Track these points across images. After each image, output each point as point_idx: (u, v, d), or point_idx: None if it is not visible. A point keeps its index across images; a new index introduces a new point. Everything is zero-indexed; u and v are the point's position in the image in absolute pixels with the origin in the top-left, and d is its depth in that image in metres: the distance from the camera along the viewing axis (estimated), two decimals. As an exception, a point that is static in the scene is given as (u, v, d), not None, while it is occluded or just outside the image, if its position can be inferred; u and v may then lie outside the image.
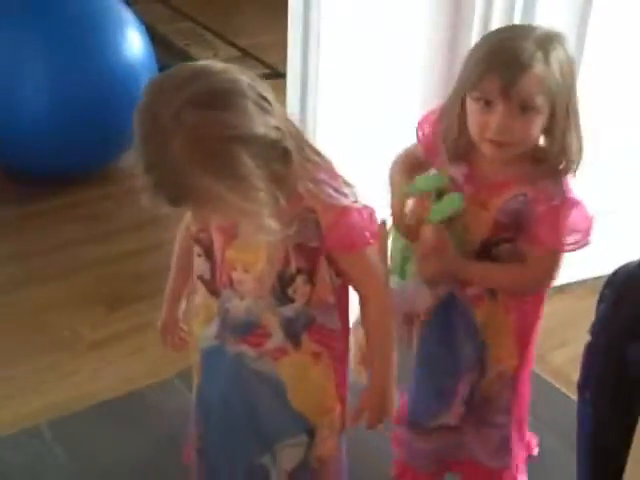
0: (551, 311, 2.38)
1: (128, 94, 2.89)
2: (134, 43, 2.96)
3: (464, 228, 1.45)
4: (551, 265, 1.43)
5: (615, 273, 1.35)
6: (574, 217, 1.38)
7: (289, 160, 1.17)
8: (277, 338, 1.34)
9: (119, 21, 2.95)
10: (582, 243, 1.39)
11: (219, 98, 1.09)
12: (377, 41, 2.04)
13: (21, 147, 2.83)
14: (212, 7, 4.80)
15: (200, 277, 1.37)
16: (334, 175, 1.26)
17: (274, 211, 1.15)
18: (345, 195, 1.25)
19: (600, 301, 1.36)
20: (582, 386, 1.38)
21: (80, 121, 2.80)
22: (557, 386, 2.16)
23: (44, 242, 2.73)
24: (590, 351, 1.35)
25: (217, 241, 1.31)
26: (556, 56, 1.32)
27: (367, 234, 1.27)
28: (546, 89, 1.31)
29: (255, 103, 1.11)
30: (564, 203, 1.37)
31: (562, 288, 2.47)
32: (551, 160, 1.38)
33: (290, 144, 1.16)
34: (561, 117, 1.35)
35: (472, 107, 1.36)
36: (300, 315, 1.33)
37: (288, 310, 1.31)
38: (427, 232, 1.42)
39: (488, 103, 1.33)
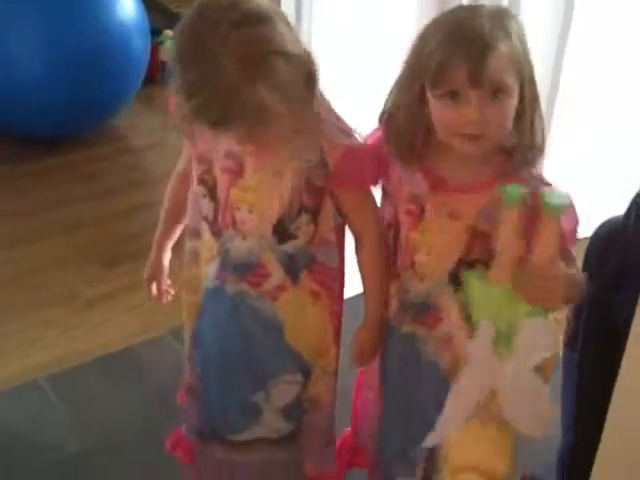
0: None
1: (121, 55, 2.92)
2: (126, 5, 2.96)
3: (428, 252, 1.32)
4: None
5: (599, 228, 1.38)
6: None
7: (313, 85, 1.21)
8: (277, 276, 1.37)
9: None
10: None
11: (257, 18, 1.15)
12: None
13: (16, 107, 2.84)
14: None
15: (205, 218, 1.40)
16: (335, 113, 1.29)
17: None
18: (349, 134, 1.28)
19: (586, 256, 1.40)
20: (570, 336, 1.42)
21: (74, 81, 2.82)
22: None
23: (39, 201, 2.76)
24: (578, 304, 1.39)
25: (222, 181, 1.33)
26: (515, 30, 1.21)
27: (370, 174, 1.31)
28: (515, 67, 1.19)
29: (286, 24, 1.19)
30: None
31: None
32: (523, 150, 1.24)
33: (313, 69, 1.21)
34: (529, 98, 1.22)
35: (436, 103, 1.21)
36: (300, 252, 1.36)
37: (289, 247, 1.35)
38: None
39: (454, 94, 1.18)
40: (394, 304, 1.39)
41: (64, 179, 2.89)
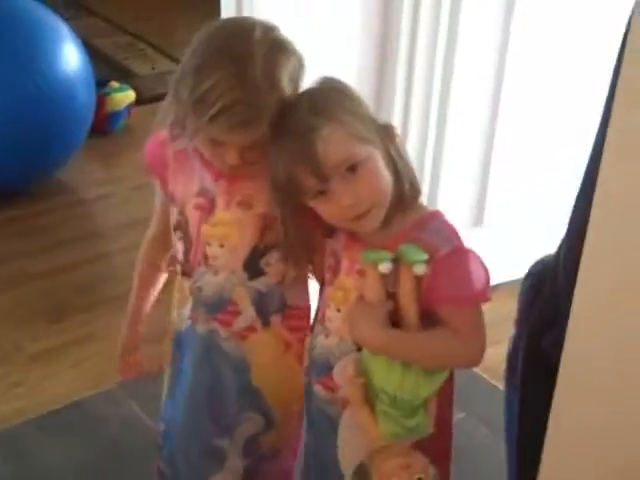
0: (483, 309, 2.46)
1: (66, 107, 2.92)
2: (71, 57, 2.97)
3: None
4: (478, 319, 1.26)
5: (532, 266, 1.41)
6: (472, 264, 1.21)
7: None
8: (247, 315, 1.37)
9: (55, 35, 2.96)
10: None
11: (274, 26, 1.26)
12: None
13: (-41, 162, 2.82)
14: (147, 22, 4.81)
15: (178, 260, 1.41)
16: None
17: None
18: None
19: (520, 294, 1.42)
20: (508, 375, 1.44)
21: (19, 134, 2.81)
22: (491, 382, 2.22)
23: (-16, 257, 2.73)
24: (514, 343, 1.41)
25: (194, 219, 1.35)
26: (337, 103, 1.19)
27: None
28: (351, 135, 1.17)
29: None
30: (453, 251, 1.20)
31: (494, 288, 2.54)
32: (406, 194, 1.22)
33: None
34: (383, 142, 1.21)
35: (313, 204, 1.20)
36: (272, 292, 1.37)
37: (259, 284, 1.36)
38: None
39: (321, 192, 1.18)
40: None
41: (10, 233, 2.87)
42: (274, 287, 1.37)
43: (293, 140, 1.17)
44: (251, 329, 1.39)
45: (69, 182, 3.19)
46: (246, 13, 2.02)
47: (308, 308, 1.43)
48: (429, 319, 1.21)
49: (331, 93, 1.22)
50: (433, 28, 2.21)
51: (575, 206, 1.22)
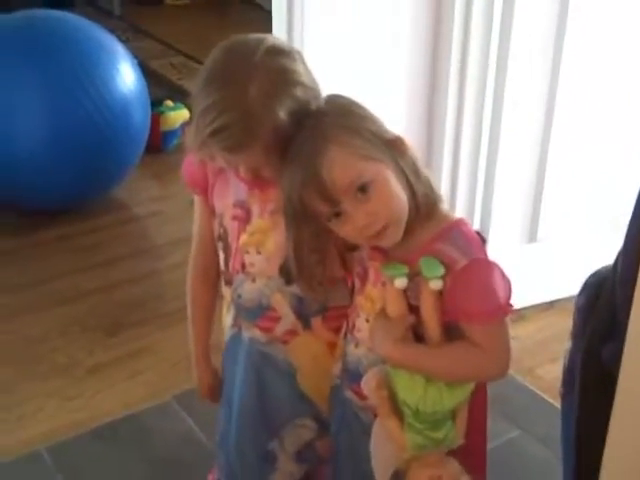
0: (541, 326, 2.45)
1: (122, 126, 2.97)
2: (127, 77, 3.03)
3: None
4: (500, 333, 1.20)
5: (589, 278, 1.39)
6: (492, 277, 1.18)
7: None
8: (287, 320, 1.38)
9: (113, 56, 3.02)
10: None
11: (283, 52, 1.24)
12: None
13: (18, 180, 2.89)
14: (200, 42, 4.88)
15: (220, 270, 1.44)
16: None
17: None
18: None
19: (576, 306, 1.40)
20: (565, 389, 1.42)
21: (76, 153, 2.87)
22: (548, 399, 2.19)
23: (41, 273, 2.79)
24: (570, 355, 1.39)
25: (232, 229, 1.38)
26: (339, 125, 1.17)
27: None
28: (358, 154, 1.16)
29: (303, 61, 1.26)
30: (472, 263, 1.17)
31: (552, 304, 2.52)
32: (422, 206, 1.20)
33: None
34: (393, 157, 1.19)
35: (331, 225, 1.20)
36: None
37: (297, 288, 1.35)
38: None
39: (336, 214, 1.17)
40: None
41: (66, 250, 2.92)
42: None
43: (299, 166, 1.17)
44: (292, 333, 1.39)
45: (123, 199, 3.24)
46: (297, 37, 2.07)
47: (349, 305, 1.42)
48: (455, 332, 1.19)
49: (335, 115, 1.20)
50: (484, 40, 2.21)
51: (632, 217, 1.20)
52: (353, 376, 1.32)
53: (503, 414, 2.07)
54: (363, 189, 1.15)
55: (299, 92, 1.21)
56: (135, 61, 3.15)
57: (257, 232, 1.35)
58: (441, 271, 1.16)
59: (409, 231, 1.20)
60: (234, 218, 1.37)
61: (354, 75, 2.13)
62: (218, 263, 1.44)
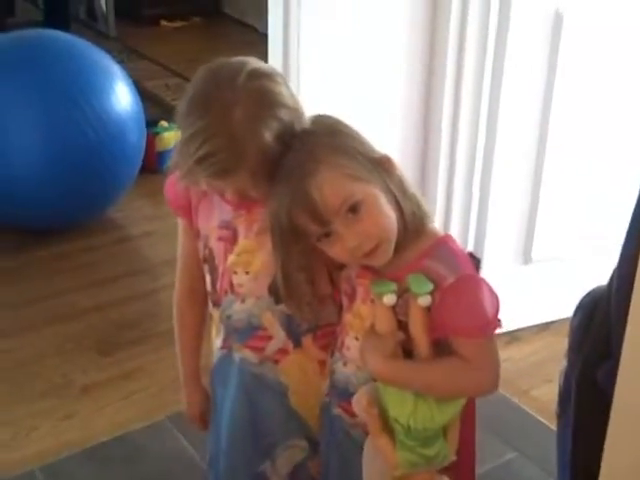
0: (536, 348, 2.45)
1: (118, 146, 2.98)
2: (123, 98, 3.04)
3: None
4: (488, 348, 1.21)
5: (584, 298, 1.39)
6: (479, 292, 1.18)
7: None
8: (278, 339, 1.37)
9: (109, 77, 3.04)
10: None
11: (265, 75, 1.24)
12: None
13: (13, 199, 2.89)
14: (195, 64, 4.90)
15: (207, 292, 1.43)
16: None
17: None
18: None
19: (571, 326, 1.41)
20: (560, 409, 1.42)
21: (71, 173, 2.87)
22: (543, 421, 2.19)
23: (36, 291, 2.78)
24: (566, 376, 1.39)
25: (219, 251, 1.37)
26: (314, 129, 1.21)
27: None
28: (347, 176, 1.16)
29: (285, 83, 1.26)
30: (459, 279, 1.18)
31: (547, 325, 2.53)
32: (409, 225, 1.21)
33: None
34: (381, 177, 1.19)
35: (320, 245, 1.20)
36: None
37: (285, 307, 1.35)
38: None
39: (326, 234, 1.18)
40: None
41: (61, 269, 2.92)
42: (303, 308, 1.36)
43: (289, 186, 1.17)
44: (283, 352, 1.39)
45: (118, 219, 3.25)
46: (292, 59, 2.08)
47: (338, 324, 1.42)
48: (444, 348, 1.20)
49: (322, 135, 1.21)
50: (479, 62, 2.23)
51: (627, 235, 1.20)
52: (342, 394, 1.32)
53: (498, 436, 2.06)
54: (354, 209, 1.16)
55: (283, 114, 1.21)
56: (131, 82, 3.16)
57: (244, 252, 1.35)
58: (429, 287, 1.17)
59: (397, 249, 1.20)
60: (220, 239, 1.36)
61: (349, 97, 2.15)
62: (204, 284, 1.43)
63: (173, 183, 1.38)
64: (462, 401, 1.22)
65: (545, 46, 2.24)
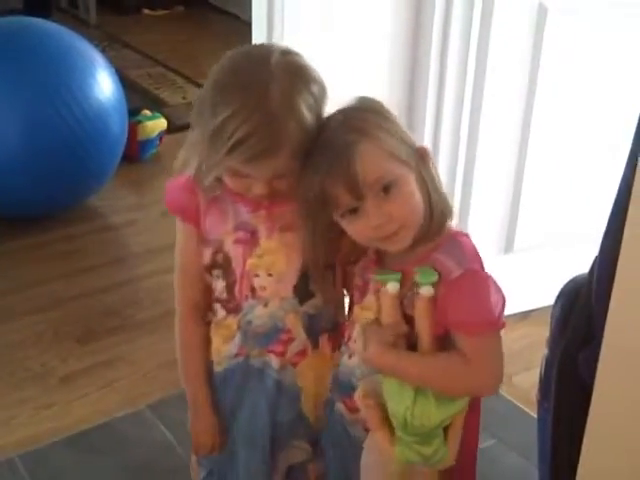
0: (516, 336, 2.46)
1: (99, 135, 2.96)
2: (105, 87, 3.01)
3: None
4: (491, 347, 1.19)
5: (565, 286, 1.40)
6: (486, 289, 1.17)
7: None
8: (299, 340, 1.35)
9: (91, 65, 3.01)
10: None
11: (295, 51, 1.25)
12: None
13: (-8, 188, 2.87)
14: (178, 53, 4.89)
15: (217, 299, 1.37)
16: None
17: None
18: None
19: (552, 314, 1.41)
20: (541, 396, 1.43)
21: (52, 161, 2.85)
22: (523, 408, 2.20)
23: (14, 280, 2.76)
24: (547, 362, 1.40)
25: (236, 255, 1.33)
26: (367, 119, 1.18)
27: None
28: (389, 154, 1.16)
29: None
30: (466, 274, 1.17)
31: (527, 314, 2.54)
32: (435, 220, 1.20)
33: None
34: (417, 165, 1.19)
35: (342, 222, 1.20)
36: (321, 312, 1.35)
37: (309, 307, 1.34)
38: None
39: (353, 210, 1.17)
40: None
41: (41, 258, 2.89)
42: (322, 307, 1.36)
43: (330, 156, 1.15)
44: (302, 353, 1.37)
45: (100, 208, 3.23)
46: (276, 41, 2.07)
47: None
48: (449, 345, 1.18)
49: (369, 111, 1.21)
50: (462, 52, 2.24)
51: (608, 224, 1.21)
52: (344, 388, 1.32)
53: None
54: (387, 189, 1.15)
55: (315, 88, 1.22)
56: (113, 70, 3.14)
57: (266, 254, 1.31)
58: (434, 278, 1.16)
59: (417, 242, 1.19)
60: (237, 242, 1.32)
61: (333, 85, 2.14)
62: (205, 295, 1.38)
63: (178, 187, 1.33)
64: (463, 403, 1.21)
65: (529, 39, 2.24)
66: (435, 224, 1.20)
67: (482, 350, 1.17)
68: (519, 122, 2.34)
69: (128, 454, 2.06)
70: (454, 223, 1.26)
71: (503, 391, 2.24)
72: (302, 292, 1.33)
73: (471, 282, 1.17)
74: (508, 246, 2.50)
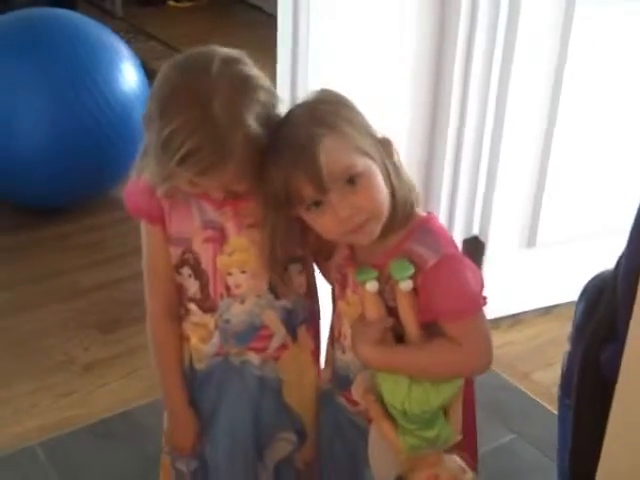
0: (538, 331, 2.45)
1: (123, 125, 2.97)
2: (130, 78, 3.02)
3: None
4: (477, 327, 1.20)
5: (590, 281, 1.39)
6: (462, 272, 1.18)
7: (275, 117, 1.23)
8: (279, 335, 1.36)
9: (116, 57, 3.02)
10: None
11: (235, 60, 1.20)
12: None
13: (17, 177, 2.88)
14: (203, 44, 4.88)
15: (191, 299, 1.35)
16: None
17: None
18: None
19: (576, 309, 1.40)
20: (562, 393, 1.41)
21: (76, 151, 2.86)
22: (543, 404, 2.19)
23: (38, 270, 2.79)
24: (569, 359, 1.38)
25: (206, 253, 1.31)
26: (338, 114, 1.16)
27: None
28: (352, 146, 1.15)
29: (252, 63, 1.22)
30: (441, 261, 1.17)
31: (549, 309, 2.53)
32: (400, 212, 1.19)
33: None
34: (381, 157, 1.18)
35: (306, 216, 1.18)
36: (298, 305, 1.36)
37: (286, 301, 1.34)
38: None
39: (317, 203, 1.15)
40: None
41: (64, 247, 2.92)
42: (298, 300, 1.36)
43: (293, 149, 1.14)
44: (283, 347, 1.37)
45: (122, 199, 3.22)
46: (302, 40, 2.06)
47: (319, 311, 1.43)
48: (435, 330, 1.19)
49: (329, 105, 1.19)
50: (488, 47, 2.22)
51: (636, 219, 1.20)
52: (343, 382, 1.32)
53: (499, 418, 2.07)
54: (352, 180, 1.14)
55: (262, 96, 1.18)
56: (137, 61, 3.15)
57: (237, 251, 1.30)
58: (410, 271, 1.16)
59: (384, 233, 1.19)
60: (207, 241, 1.30)
61: (358, 74, 2.13)
62: (177, 295, 1.36)
63: (138, 191, 1.31)
64: (459, 381, 1.22)
65: (556, 33, 2.22)
66: (401, 214, 1.19)
67: (470, 332, 1.18)
68: (544, 116, 2.32)
69: (148, 443, 2.06)
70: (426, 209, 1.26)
71: (523, 387, 2.23)
72: (277, 288, 1.33)
73: (448, 268, 1.17)
74: (531, 240, 2.48)
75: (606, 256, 1.41)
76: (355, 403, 1.29)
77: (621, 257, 1.26)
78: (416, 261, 1.17)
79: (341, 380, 1.33)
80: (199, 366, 1.40)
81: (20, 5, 3.26)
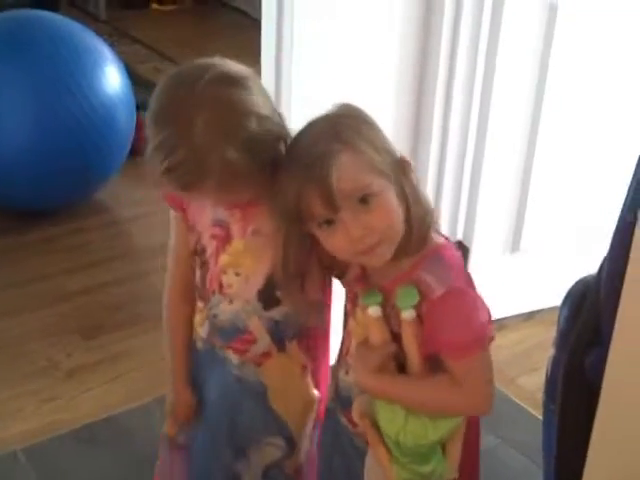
0: (522, 336, 2.46)
1: (107, 128, 2.96)
2: (113, 81, 3.01)
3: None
4: (478, 366, 1.15)
5: (573, 287, 1.40)
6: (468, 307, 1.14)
7: (283, 145, 1.21)
8: (263, 343, 1.36)
9: (99, 59, 3.01)
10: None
11: (230, 81, 1.17)
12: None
13: (2, 182, 2.87)
14: (186, 48, 4.88)
15: (196, 285, 1.40)
16: None
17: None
18: None
19: (560, 314, 1.41)
20: (547, 398, 1.42)
21: (59, 155, 2.85)
22: (528, 409, 2.20)
23: (23, 274, 2.77)
24: (553, 363, 1.39)
25: (211, 248, 1.35)
26: (350, 128, 1.13)
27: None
28: (367, 165, 1.12)
29: (259, 86, 1.21)
30: (447, 293, 1.13)
31: (533, 314, 2.54)
32: (415, 235, 1.16)
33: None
34: (398, 177, 1.15)
35: (318, 234, 1.15)
36: (289, 319, 1.35)
37: (276, 313, 1.34)
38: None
39: (329, 221, 1.12)
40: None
41: (48, 251, 2.90)
42: (290, 315, 1.35)
43: (307, 162, 1.11)
44: (266, 355, 1.38)
45: (106, 202, 3.23)
46: (286, 44, 2.06)
47: (325, 327, 1.42)
48: (440, 364, 1.15)
49: (350, 120, 1.16)
50: (472, 52, 2.23)
51: (618, 222, 1.21)
52: (345, 402, 1.31)
53: (483, 423, 2.06)
54: (365, 200, 1.11)
55: (253, 123, 1.15)
56: (121, 64, 3.14)
57: (236, 253, 1.32)
58: (414, 301, 1.13)
59: (398, 255, 1.15)
60: (213, 237, 1.34)
61: (341, 78, 2.13)
62: (193, 279, 1.40)
63: None
64: (457, 418, 1.19)
65: (539, 38, 2.23)
66: (416, 237, 1.16)
67: (472, 373, 1.14)
68: (527, 121, 2.33)
69: (133, 448, 2.06)
70: (445, 230, 1.24)
71: (508, 392, 2.24)
72: (266, 298, 1.33)
73: (454, 302, 1.13)
74: (515, 245, 2.49)
75: (589, 261, 1.42)
76: (356, 424, 1.27)
77: (604, 261, 1.27)
78: (423, 290, 1.14)
79: (343, 400, 1.31)
80: (198, 345, 1.44)
81: (2, 7, 3.24)
